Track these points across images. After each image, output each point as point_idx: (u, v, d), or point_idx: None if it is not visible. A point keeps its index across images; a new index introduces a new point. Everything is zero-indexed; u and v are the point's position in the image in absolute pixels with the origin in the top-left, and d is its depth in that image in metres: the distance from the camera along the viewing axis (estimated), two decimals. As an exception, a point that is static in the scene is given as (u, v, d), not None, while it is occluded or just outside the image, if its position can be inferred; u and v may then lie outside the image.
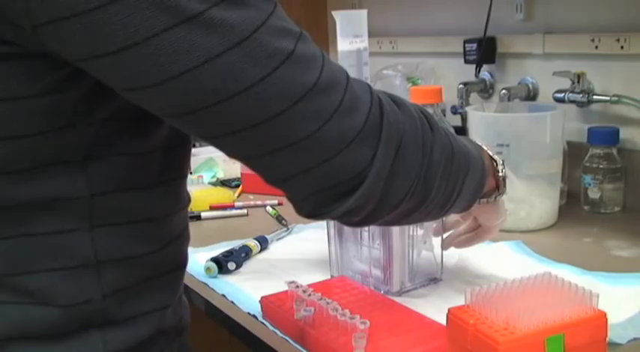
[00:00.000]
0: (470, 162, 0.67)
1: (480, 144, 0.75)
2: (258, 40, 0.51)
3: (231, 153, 0.57)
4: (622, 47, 1.16)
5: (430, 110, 1.11)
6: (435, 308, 0.77)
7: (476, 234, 0.84)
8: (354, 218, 0.60)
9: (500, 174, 0.76)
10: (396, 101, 0.61)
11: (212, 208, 1.27)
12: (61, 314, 0.57)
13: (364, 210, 0.59)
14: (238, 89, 0.51)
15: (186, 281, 0.93)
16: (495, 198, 0.77)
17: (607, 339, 0.64)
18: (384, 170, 0.57)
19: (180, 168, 0.64)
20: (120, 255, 0.59)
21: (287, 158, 0.55)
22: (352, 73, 0.96)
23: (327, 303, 0.74)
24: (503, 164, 0.76)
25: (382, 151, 0.57)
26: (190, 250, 1.03)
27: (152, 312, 0.62)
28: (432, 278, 0.88)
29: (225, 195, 1.34)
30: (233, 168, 1.47)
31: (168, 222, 0.63)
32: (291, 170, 0.56)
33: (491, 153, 0.75)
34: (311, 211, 0.60)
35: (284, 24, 0.55)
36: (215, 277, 0.92)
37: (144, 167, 0.59)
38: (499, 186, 0.76)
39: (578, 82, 1.19)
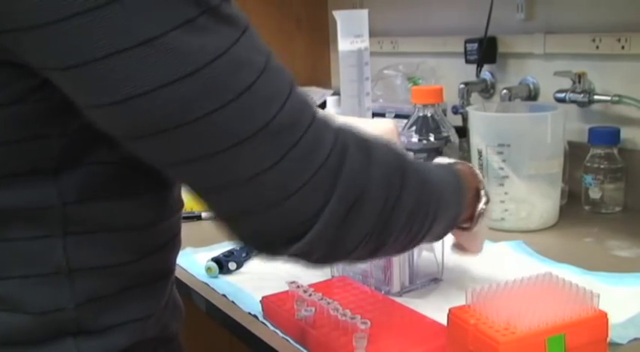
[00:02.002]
0: (442, 204, 0.64)
1: (471, 169, 0.74)
2: (215, 70, 0.48)
3: (181, 182, 0.56)
4: (623, 47, 1.16)
5: (431, 110, 1.11)
6: (435, 308, 0.77)
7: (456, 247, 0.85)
8: (303, 261, 0.59)
9: (480, 208, 0.73)
10: (368, 146, 0.57)
11: (213, 208, 1.26)
12: (32, 322, 0.56)
13: (312, 256, 0.57)
14: (186, 119, 0.49)
15: (187, 281, 0.93)
16: (469, 227, 0.74)
17: (608, 339, 0.64)
18: (334, 221, 0.54)
19: (166, 176, 0.61)
20: (94, 263, 0.58)
21: (230, 196, 0.53)
22: (353, 73, 0.97)
23: (328, 303, 0.74)
24: (487, 196, 0.73)
25: (335, 202, 0.54)
26: (191, 250, 1.04)
27: (132, 322, 0.61)
28: (433, 279, 0.88)
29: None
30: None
31: (152, 231, 0.61)
32: (234, 209, 0.54)
33: (479, 183, 0.73)
34: (256, 249, 0.58)
35: (248, 54, 0.51)
36: (216, 277, 0.92)
37: (121, 176, 0.57)
38: (473, 219, 0.73)
39: (579, 81, 1.19)
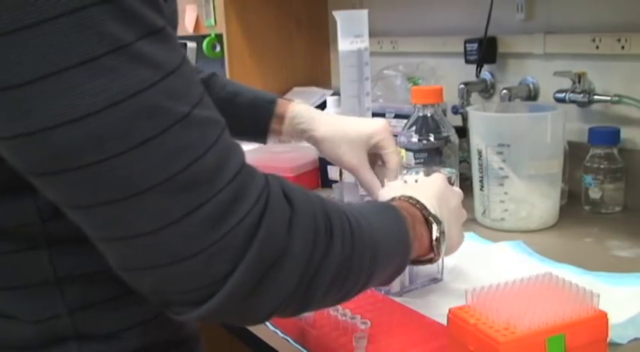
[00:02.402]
0: (378, 258, 0.60)
1: (410, 200, 0.70)
2: (113, 115, 0.44)
3: (79, 225, 0.51)
4: (623, 47, 1.16)
5: (431, 110, 1.11)
6: (435, 308, 0.77)
7: None
8: (215, 322, 0.55)
9: (434, 236, 0.69)
10: (293, 206, 0.53)
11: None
12: (30, 328, 0.56)
13: (224, 319, 0.54)
14: (72, 165, 0.45)
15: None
16: (428, 261, 0.72)
17: (608, 339, 0.64)
18: (243, 289, 0.50)
19: None
20: (82, 271, 0.57)
21: (124, 250, 0.49)
22: (353, 73, 0.97)
23: (328, 303, 0.74)
24: (439, 228, 0.69)
25: (243, 269, 0.49)
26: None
27: (137, 325, 0.60)
28: (433, 279, 0.88)
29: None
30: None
31: None
32: (127, 264, 0.50)
33: (429, 216, 0.69)
34: (161, 306, 0.53)
35: (165, 101, 0.46)
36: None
37: None
38: (434, 251, 0.70)
39: (579, 82, 1.19)
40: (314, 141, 0.92)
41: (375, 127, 0.89)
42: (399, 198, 0.71)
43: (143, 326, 0.60)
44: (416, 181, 0.79)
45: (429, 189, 0.75)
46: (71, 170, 0.45)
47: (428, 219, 0.69)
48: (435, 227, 0.69)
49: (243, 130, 0.94)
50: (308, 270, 0.53)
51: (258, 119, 0.94)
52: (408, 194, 0.72)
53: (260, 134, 0.95)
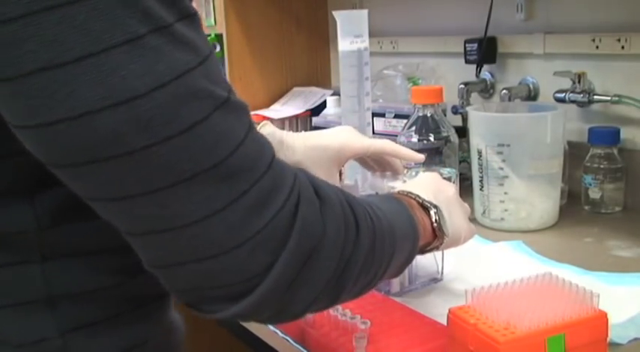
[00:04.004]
0: (396, 243, 0.60)
1: (409, 193, 0.69)
2: (159, 99, 0.43)
3: (112, 223, 0.49)
4: (623, 47, 1.16)
5: (431, 110, 1.11)
6: (435, 308, 0.77)
7: None
8: (249, 320, 0.54)
9: (435, 222, 0.68)
10: (320, 196, 0.52)
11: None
12: None
13: (261, 316, 0.52)
14: (112, 153, 0.43)
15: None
16: (435, 248, 0.71)
17: (608, 339, 0.64)
18: (284, 280, 0.49)
19: None
20: (77, 289, 0.54)
21: (161, 244, 0.47)
22: (353, 73, 0.97)
23: (328, 303, 0.74)
24: (437, 211, 0.69)
25: (285, 260, 0.49)
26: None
27: (127, 349, 0.57)
28: (433, 279, 0.88)
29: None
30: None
31: None
32: (165, 258, 0.48)
33: (423, 201, 0.69)
34: (190, 305, 0.52)
35: (206, 85, 0.45)
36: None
37: None
38: (437, 235, 0.69)
39: (579, 81, 1.19)
40: None
41: (340, 141, 0.85)
42: (396, 193, 0.71)
43: (134, 349, 0.57)
44: (404, 182, 0.79)
45: (419, 182, 0.75)
46: (116, 157, 0.43)
47: (423, 204, 0.69)
48: (432, 211, 0.69)
49: None
50: (342, 258, 0.52)
51: None
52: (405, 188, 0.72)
53: None
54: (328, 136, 0.87)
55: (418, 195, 0.69)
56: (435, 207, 0.69)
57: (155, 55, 0.43)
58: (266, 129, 0.90)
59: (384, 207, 0.61)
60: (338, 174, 0.88)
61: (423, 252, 0.71)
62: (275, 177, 0.49)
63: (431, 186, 0.74)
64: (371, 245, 0.56)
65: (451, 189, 0.77)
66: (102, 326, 0.55)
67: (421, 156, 0.87)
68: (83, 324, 0.55)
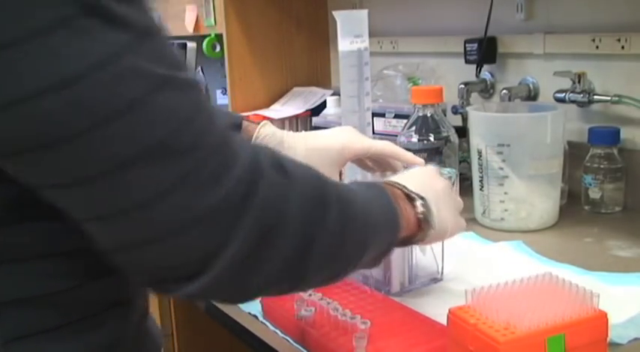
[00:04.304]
0: (372, 231, 0.59)
1: (395, 183, 0.68)
2: (93, 82, 0.42)
3: (61, 208, 0.48)
4: (623, 47, 1.16)
5: (431, 110, 1.11)
6: (435, 308, 0.77)
7: None
8: (208, 299, 0.54)
9: (420, 214, 0.67)
10: (289, 175, 0.52)
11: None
12: None
13: (215, 296, 0.52)
14: (50, 140, 0.43)
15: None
16: (420, 240, 0.70)
17: (608, 339, 0.64)
18: (239, 259, 0.48)
19: None
20: (22, 294, 0.51)
21: (110, 227, 0.47)
22: (353, 73, 0.97)
23: (328, 303, 0.74)
24: (423, 203, 0.68)
25: (240, 238, 0.48)
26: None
27: None
28: (433, 279, 0.88)
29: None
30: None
31: (88, 255, 0.52)
32: (116, 242, 0.48)
33: (410, 192, 0.68)
34: (147, 286, 0.53)
35: (144, 64, 0.45)
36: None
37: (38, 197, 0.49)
38: (422, 227, 0.68)
39: (579, 81, 1.19)
40: None
41: (341, 142, 0.85)
42: (382, 181, 0.70)
43: None
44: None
45: (408, 175, 0.74)
46: (59, 141, 0.43)
47: (409, 195, 0.68)
48: (418, 202, 0.67)
49: None
50: (304, 238, 0.51)
51: None
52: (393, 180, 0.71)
53: None
54: (329, 137, 0.87)
55: (405, 186, 0.68)
56: (422, 198, 0.68)
57: (89, 36, 0.42)
58: (266, 130, 0.90)
59: (363, 195, 0.61)
60: (339, 174, 0.88)
61: (406, 243, 0.70)
62: (227, 154, 0.48)
63: (419, 178, 0.73)
64: (340, 229, 0.54)
65: (441, 183, 0.76)
66: (52, 335, 0.53)
67: (421, 160, 0.87)
68: (29, 333, 0.52)
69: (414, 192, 0.68)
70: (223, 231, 0.48)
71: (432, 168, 0.78)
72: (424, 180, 0.73)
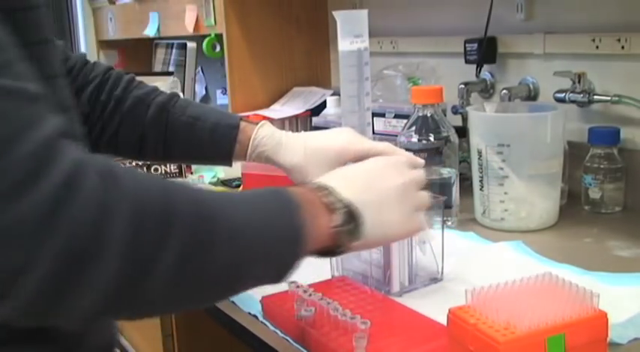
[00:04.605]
0: (247, 250, 0.54)
1: (319, 187, 0.63)
2: None
3: None
4: (623, 47, 1.16)
5: (431, 110, 1.11)
6: (435, 308, 0.77)
7: None
8: (21, 323, 0.49)
9: (335, 227, 0.62)
10: (115, 183, 0.47)
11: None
12: None
13: (29, 320, 0.47)
14: None
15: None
16: (343, 250, 0.64)
17: (608, 339, 0.64)
18: (46, 285, 0.44)
19: None
20: None
21: None
22: (353, 73, 0.97)
23: (328, 303, 0.74)
24: (346, 212, 0.62)
25: (45, 260, 0.43)
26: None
27: None
28: (433, 279, 0.88)
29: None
30: (234, 168, 1.47)
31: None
32: None
33: (329, 203, 0.62)
34: None
35: None
36: (216, 277, 0.92)
37: None
38: (338, 239, 0.63)
39: (579, 81, 1.19)
40: (283, 169, 0.88)
41: (340, 143, 0.83)
42: (303, 185, 0.65)
43: None
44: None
45: (349, 172, 0.71)
46: None
47: (328, 206, 0.62)
48: (336, 214, 0.62)
49: (206, 156, 0.92)
50: (136, 264, 0.46)
51: (220, 146, 0.90)
52: (324, 180, 0.66)
53: (224, 159, 0.92)
54: (328, 138, 0.86)
55: (330, 192, 0.63)
56: (347, 206, 0.63)
57: None
58: (264, 130, 0.89)
59: (244, 208, 0.56)
60: None
61: (330, 254, 0.65)
62: (33, 166, 0.44)
63: (364, 177, 0.69)
64: (191, 251, 0.49)
65: (397, 179, 0.70)
66: None
67: (421, 161, 0.86)
68: None
69: (337, 201, 0.63)
70: (23, 252, 0.43)
71: (392, 161, 0.73)
72: (370, 179, 0.69)
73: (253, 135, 0.89)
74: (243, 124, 0.90)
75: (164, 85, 1.77)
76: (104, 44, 2.60)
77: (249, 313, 0.82)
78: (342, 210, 0.63)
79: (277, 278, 0.60)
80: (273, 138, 0.88)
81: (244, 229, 0.54)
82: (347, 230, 0.63)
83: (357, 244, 0.65)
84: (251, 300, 0.84)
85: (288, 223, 0.58)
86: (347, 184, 0.66)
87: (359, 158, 0.85)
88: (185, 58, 2.08)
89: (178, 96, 0.94)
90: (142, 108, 0.91)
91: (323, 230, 0.62)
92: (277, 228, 0.58)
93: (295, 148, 0.87)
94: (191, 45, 2.06)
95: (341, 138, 0.85)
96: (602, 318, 0.62)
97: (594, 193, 1.15)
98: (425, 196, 0.74)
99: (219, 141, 0.90)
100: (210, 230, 0.51)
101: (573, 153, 1.18)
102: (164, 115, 0.90)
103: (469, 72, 1.40)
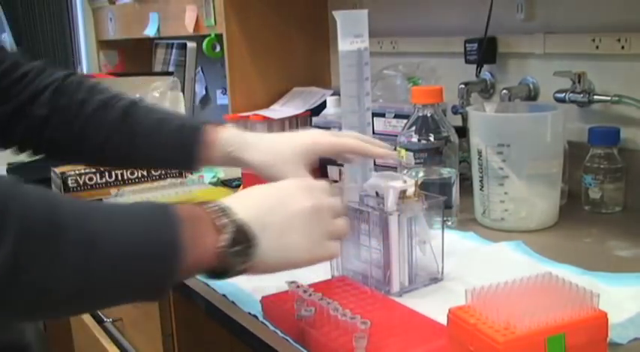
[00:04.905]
0: (101, 260, 0.53)
1: (214, 206, 0.62)
2: None
3: None
4: (623, 47, 1.16)
5: (431, 110, 1.11)
6: (435, 308, 0.77)
7: None
8: None
9: (222, 247, 0.60)
10: None
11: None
12: None
13: None
14: None
15: (187, 281, 0.93)
16: (236, 272, 0.63)
17: (607, 339, 0.64)
18: None
19: None
20: None
21: None
22: (353, 73, 0.97)
23: (328, 303, 0.74)
24: (234, 233, 0.61)
25: None
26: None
27: None
28: (433, 279, 0.88)
29: (226, 195, 1.33)
30: (233, 168, 1.47)
31: None
32: None
33: (224, 223, 0.61)
34: None
35: None
36: (216, 277, 0.92)
37: None
38: (225, 261, 0.61)
39: (579, 81, 1.19)
40: (251, 168, 0.88)
41: (307, 140, 0.85)
42: (200, 203, 0.64)
43: None
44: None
45: (255, 194, 0.69)
46: None
47: (217, 223, 0.61)
48: (226, 233, 0.61)
49: (171, 160, 0.92)
50: None
51: (184, 149, 0.89)
52: (225, 199, 0.65)
53: (188, 162, 0.91)
54: (296, 135, 0.89)
55: (224, 212, 0.62)
56: (237, 227, 0.61)
57: None
58: (230, 131, 0.90)
59: (110, 219, 0.55)
60: (306, 171, 0.87)
61: (220, 275, 0.63)
62: None
63: (268, 198, 0.68)
64: (24, 260, 0.49)
65: (304, 203, 0.68)
66: None
67: (392, 153, 0.85)
68: None
69: (228, 221, 0.61)
70: None
71: (305, 184, 0.71)
72: (276, 200, 0.67)
73: (219, 136, 0.89)
74: (207, 127, 0.91)
75: (164, 84, 1.77)
76: (104, 44, 2.60)
77: (249, 313, 0.82)
78: (231, 231, 0.61)
79: (149, 293, 0.59)
80: (240, 137, 0.89)
81: (103, 242, 0.53)
82: (235, 251, 0.61)
83: (255, 267, 0.64)
84: (251, 300, 0.84)
85: (161, 239, 0.57)
86: (249, 204, 0.65)
87: (327, 153, 0.87)
88: (185, 58, 2.08)
89: (142, 100, 0.94)
90: (105, 112, 0.90)
91: (209, 249, 0.60)
92: (146, 244, 0.56)
93: (262, 146, 0.88)
94: (191, 45, 2.06)
95: (307, 135, 0.88)
96: (602, 318, 0.62)
97: (594, 193, 1.15)
98: (341, 224, 0.72)
99: (184, 144, 0.90)
100: (55, 236, 0.50)
101: (573, 153, 1.18)
102: (128, 119, 0.90)
103: (469, 72, 1.40)
